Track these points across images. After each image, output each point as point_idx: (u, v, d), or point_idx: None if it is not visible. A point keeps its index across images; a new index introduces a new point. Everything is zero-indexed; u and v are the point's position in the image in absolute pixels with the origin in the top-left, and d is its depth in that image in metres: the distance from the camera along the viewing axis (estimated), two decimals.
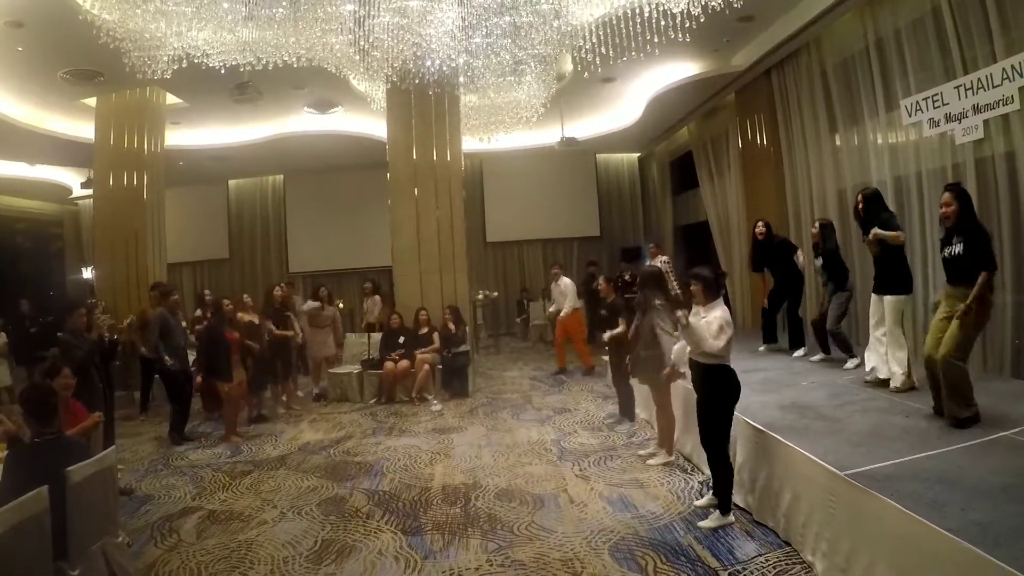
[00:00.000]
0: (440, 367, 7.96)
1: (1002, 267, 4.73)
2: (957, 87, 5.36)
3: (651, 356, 4.91)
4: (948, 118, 5.48)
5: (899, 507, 2.61)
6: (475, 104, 9.16)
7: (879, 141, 6.73)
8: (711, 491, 4.01)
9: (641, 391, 5.89)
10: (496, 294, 12.95)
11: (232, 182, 14.56)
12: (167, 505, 4.64)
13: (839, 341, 5.61)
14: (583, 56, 6.39)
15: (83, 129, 9.65)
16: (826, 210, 7.56)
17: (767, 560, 3.32)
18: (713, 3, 5.47)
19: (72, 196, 14.30)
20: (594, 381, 8.33)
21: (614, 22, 6.09)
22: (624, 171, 15.14)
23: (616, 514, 4.03)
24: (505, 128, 9.56)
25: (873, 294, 4.70)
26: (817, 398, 4.57)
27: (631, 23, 5.95)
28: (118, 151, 9.19)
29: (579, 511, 4.13)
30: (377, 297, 9.68)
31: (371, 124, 10.85)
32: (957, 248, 3.73)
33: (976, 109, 5.19)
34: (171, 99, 9.50)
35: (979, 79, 5.13)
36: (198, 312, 8.51)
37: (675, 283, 7.65)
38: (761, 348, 6.77)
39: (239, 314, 7.03)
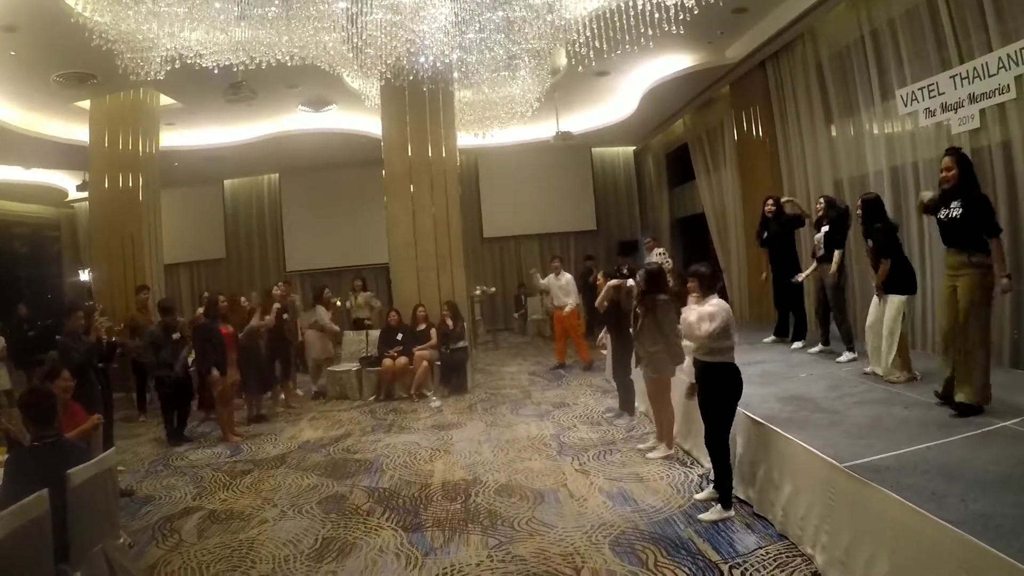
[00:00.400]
0: (439, 363, 7.95)
1: None
2: (953, 76, 5.35)
3: (657, 352, 4.91)
4: (944, 107, 5.47)
5: (899, 499, 2.61)
6: (469, 100, 9.13)
7: (875, 131, 6.71)
8: (711, 484, 4.02)
9: (640, 385, 5.89)
10: (494, 289, 12.93)
11: (227, 182, 14.51)
12: (168, 505, 4.65)
13: (844, 331, 5.62)
14: (577, 50, 6.36)
15: (78, 132, 9.61)
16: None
17: (767, 553, 3.33)
18: None
19: (68, 199, 14.27)
20: (593, 375, 8.34)
21: (607, 15, 6.07)
22: (620, 164, 15.12)
23: (616, 508, 4.04)
24: (500, 123, 9.55)
25: (875, 295, 4.72)
26: (816, 390, 4.58)
27: (624, 16, 5.94)
28: (113, 153, 9.18)
29: (579, 506, 4.13)
30: (366, 294, 9.58)
31: (366, 121, 10.82)
32: (955, 212, 3.72)
33: (972, 98, 5.18)
34: (165, 100, 9.46)
35: (975, 68, 5.11)
36: (199, 311, 8.49)
37: (670, 273, 7.60)
38: (768, 339, 6.74)
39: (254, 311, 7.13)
